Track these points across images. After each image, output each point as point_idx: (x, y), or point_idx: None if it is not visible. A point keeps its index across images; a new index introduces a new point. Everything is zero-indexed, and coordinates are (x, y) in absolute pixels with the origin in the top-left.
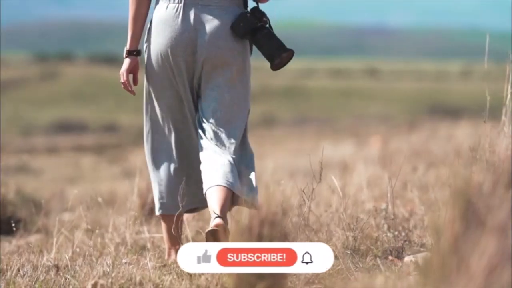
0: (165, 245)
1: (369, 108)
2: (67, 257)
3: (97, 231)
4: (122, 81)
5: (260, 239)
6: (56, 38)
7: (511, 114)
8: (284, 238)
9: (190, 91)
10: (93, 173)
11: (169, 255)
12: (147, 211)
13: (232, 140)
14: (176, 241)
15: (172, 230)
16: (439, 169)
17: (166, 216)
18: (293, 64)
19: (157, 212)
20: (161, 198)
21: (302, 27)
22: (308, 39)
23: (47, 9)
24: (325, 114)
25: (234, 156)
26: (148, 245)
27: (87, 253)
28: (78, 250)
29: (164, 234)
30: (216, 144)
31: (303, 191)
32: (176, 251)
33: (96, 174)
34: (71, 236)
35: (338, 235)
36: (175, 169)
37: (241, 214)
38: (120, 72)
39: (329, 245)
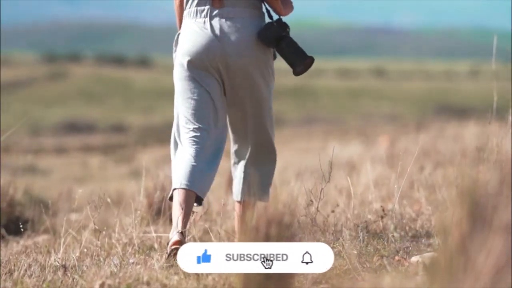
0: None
1: (377, 108)
2: (74, 257)
3: (104, 231)
4: None
5: (267, 239)
6: (64, 38)
7: None
8: (291, 238)
9: (218, 93)
10: (101, 173)
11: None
12: (154, 211)
13: (255, 142)
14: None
15: (180, 204)
16: (446, 169)
17: (182, 190)
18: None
19: (174, 186)
20: (177, 177)
21: (310, 27)
22: (316, 39)
23: (56, 9)
24: (333, 114)
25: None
26: (155, 245)
27: (94, 253)
28: (85, 250)
29: (175, 209)
30: (238, 150)
31: (311, 191)
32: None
33: (103, 174)
34: (78, 236)
35: (345, 235)
36: (193, 153)
37: (249, 214)
38: None
39: (336, 245)
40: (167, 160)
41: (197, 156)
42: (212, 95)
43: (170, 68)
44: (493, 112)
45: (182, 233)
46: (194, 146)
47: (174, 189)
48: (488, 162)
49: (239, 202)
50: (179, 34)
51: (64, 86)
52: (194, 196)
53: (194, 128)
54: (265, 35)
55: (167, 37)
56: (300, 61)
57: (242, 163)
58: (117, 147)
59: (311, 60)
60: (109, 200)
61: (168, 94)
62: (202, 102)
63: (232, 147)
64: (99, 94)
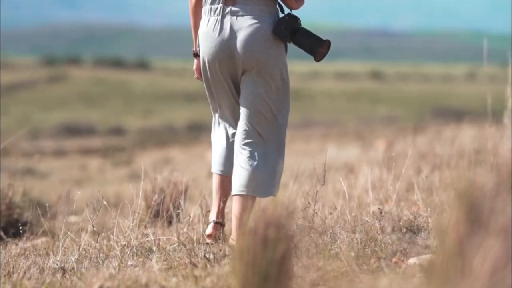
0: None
1: (374, 111)
2: (73, 259)
3: (103, 233)
4: (196, 76)
5: (265, 241)
6: (63, 41)
7: None
8: (289, 241)
9: (235, 88)
10: (100, 175)
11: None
12: (153, 214)
13: (265, 133)
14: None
15: (218, 190)
16: (444, 171)
17: (219, 176)
18: (299, 67)
19: (213, 171)
20: (215, 162)
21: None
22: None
23: (55, 13)
24: (331, 117)
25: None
26: (154, 247)
27: (93, 256)
28: (84, 252)
29: (214, 192)
30: (245, 138)
31: (308, 194)
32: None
33: (102, 176)
34: (77, 238)
35: (343, 237)
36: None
37: (247, 216)
38: (194, 69)
39: (334, 247)
40: (165, 162)
41: (227, 143)
42: (231, 89)
43: (169, 71)
44: (489, 115)
45: (217, 223)
46: (223, 135)
47: (213, 173)
48: (485, 164)
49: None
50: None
51: (63, 89)
52: (230, 181)
53: (220, 121)
54: (280, 30)
55: (166, 40)
56: (317, 47)
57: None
58: (116, 150)
59: (328, 43)
60: (105, 202)
61: (167, 97)
62: (224, 95)
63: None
64: (98, 97)
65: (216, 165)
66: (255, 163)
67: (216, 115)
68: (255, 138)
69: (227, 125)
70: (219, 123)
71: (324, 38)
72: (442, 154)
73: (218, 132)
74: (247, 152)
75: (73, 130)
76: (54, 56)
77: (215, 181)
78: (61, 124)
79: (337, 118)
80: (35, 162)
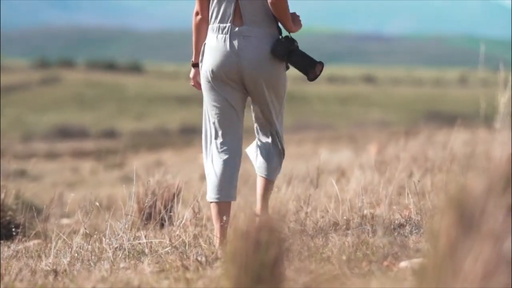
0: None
1: (367, 115)
2: (65, 261)
3: (95, 236)
4: (192, 84)
5: (257, 244)
6: (57, 44)
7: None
8: (281, 244)
9: (239, 100)
10: (92, 178)
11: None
12: (145, 216)
13: (272, 136)
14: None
15: (217, 216)
16: (435, 175)
17: (217, 203)
18: (292, 70)
19: (209, 199)
20: (212, 190)
21: (301, 33)
22: (307, 45)
23: (48, 15)
24: (324, 120)
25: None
26: (146, 250)
27: (85, 258)
28: (76, 255)
29: (214, 221)
30: (260, 139)
31: (300, 197)
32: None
33: (95, 179)
34: (69, 241)
35: (334, 241)
36: (223, 162)
37: (239, 219)
38: (190, 77)
39: (326, 250)
40: (158, 165)
41: (226, 165)
42: (233, 103)
43: (161, 74)
44: (481, 119)
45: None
46: (223, 155)
47: (210, 202)
48: (476, 168)
49: (264, 177)
50: (204, 46)
51: (56, 92)
52: (230, 204)
53: (221, 135)
54: (277, 50)
55: (159, 43)
56: (311, 68)
57: (264, 143)
58: (108, 153)
59: (321, 65)
60: (97, 203)
61: (159, 100)
62: (224, 110)
63: (256, 134)
64: (91, 100)
65: (212, 193)
66: (275, 154)
67: (216, 142)
68: (271, 135)
69: (226, 150)
70: (218, 151)
71: (316, 42)
72: (434, 158)
73: (215, 160)
74: (268, 143)
75: (65, 133)
76: (47, 59)
77: (214, 209)
78: (54, 126)
79: (330, 121)
80: (29, 165)
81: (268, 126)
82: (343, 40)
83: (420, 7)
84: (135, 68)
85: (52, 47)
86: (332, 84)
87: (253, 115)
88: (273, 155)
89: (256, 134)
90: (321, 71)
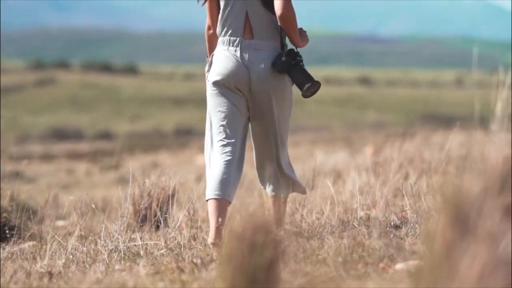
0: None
1: (363, 116)
2: (60, 263)
3: (90, 237)
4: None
5: (253, 246)
6: (52, 45)
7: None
8: (277, 246)
9: (245, 108)
10: (88, 180)
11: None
12: (140, 218)
13: (277, 149)
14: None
15: (214, 213)
16: (431, 176)
17: (214, 200)
18: None
19: (207, 197)
20: (212, 188)
21: None
22: (303, 47)
23: (44, 17)
24: (320, 122)
25: (278, 161)
26: (141, 252)
27: (80, 260)
28: (71, 257)
29: (210, 217)
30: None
31: (295, 199)
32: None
33: (90, 181)
34: (64, 243)
35: (330, 243)
36: (226, 163)
37: (234, 222)
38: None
39: (321, 252)
40: (154, 167)
41: (228, 166)
42: (239, 108)
43: (157, 76)
44: (477, 121)
45: (215, 244)
46: (225, 157)
47: (208, 200)
48: (472, 170)
49: (273, 196)
50: (212, 56)
51: (52, 93)
52: (228, 204)
53: (225, 138)
54: (277, 64)
55: (154, 44)
56: (307, 84)
57: (266, 164)
58: (104, 154)
59: (318, 84)
60: (93, 205)
61: (155, 102)
62: (231, 114)
63: (254, 153)
64: (86, 101)
65: (212, 191)
66: (288, 170)
67: (220, 145)
68: (280, 151)
69: (230, 153)
70: (221, 153)
71: (313, 44)
72: (430, 160)
73: (218, 162)
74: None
75: (61, 134)
76: (42, 60)
77: (211, 206)
78: (49, 128)
79: (326, 123)
80: (23, 166)
81: (270, 150)
82: (339, 41)
83: (417, 8)
84: (131, 70)
85: (48, 48)
86: (328, 86)
87: (253, 145)
88: (279, 176)
89: (258, 178)
90: (316, 90)
